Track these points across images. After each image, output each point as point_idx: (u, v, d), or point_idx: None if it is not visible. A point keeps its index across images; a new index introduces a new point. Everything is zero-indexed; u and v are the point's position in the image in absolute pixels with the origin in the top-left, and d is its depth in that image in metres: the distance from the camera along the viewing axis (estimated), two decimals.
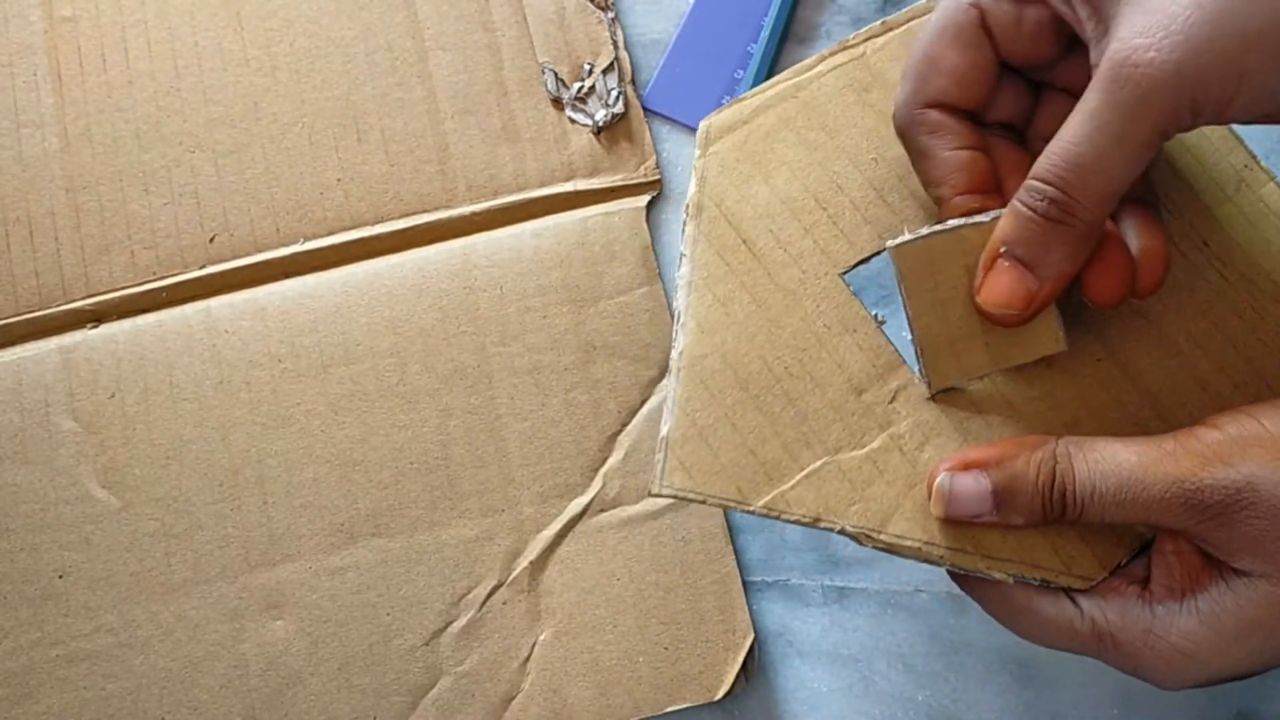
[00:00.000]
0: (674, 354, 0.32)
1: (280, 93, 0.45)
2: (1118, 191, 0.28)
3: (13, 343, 0.44)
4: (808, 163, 0.33)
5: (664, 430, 0.31)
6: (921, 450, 0.31)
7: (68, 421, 0.43)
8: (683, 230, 0.33)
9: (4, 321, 0.44)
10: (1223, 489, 0.26)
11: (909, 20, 0.35)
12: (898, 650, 0.41)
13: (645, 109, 0.46)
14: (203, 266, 0.44)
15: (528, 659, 0.40)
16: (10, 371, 0.43)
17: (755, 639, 0.40)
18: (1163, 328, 0.32)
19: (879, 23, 0.35)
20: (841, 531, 0.30)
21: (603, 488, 0.42)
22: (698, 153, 0.34)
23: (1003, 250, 0.29)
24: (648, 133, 0.45)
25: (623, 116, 0.45)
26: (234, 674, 0.41)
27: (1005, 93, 0.32)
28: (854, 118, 0.34)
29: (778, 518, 0.30)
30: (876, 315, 0.32)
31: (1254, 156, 0.33)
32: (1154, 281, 0.30)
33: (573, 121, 0.45)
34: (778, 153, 0.34)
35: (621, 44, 0.46)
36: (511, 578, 0.41)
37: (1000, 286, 0.29)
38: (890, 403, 0.31)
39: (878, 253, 0.33)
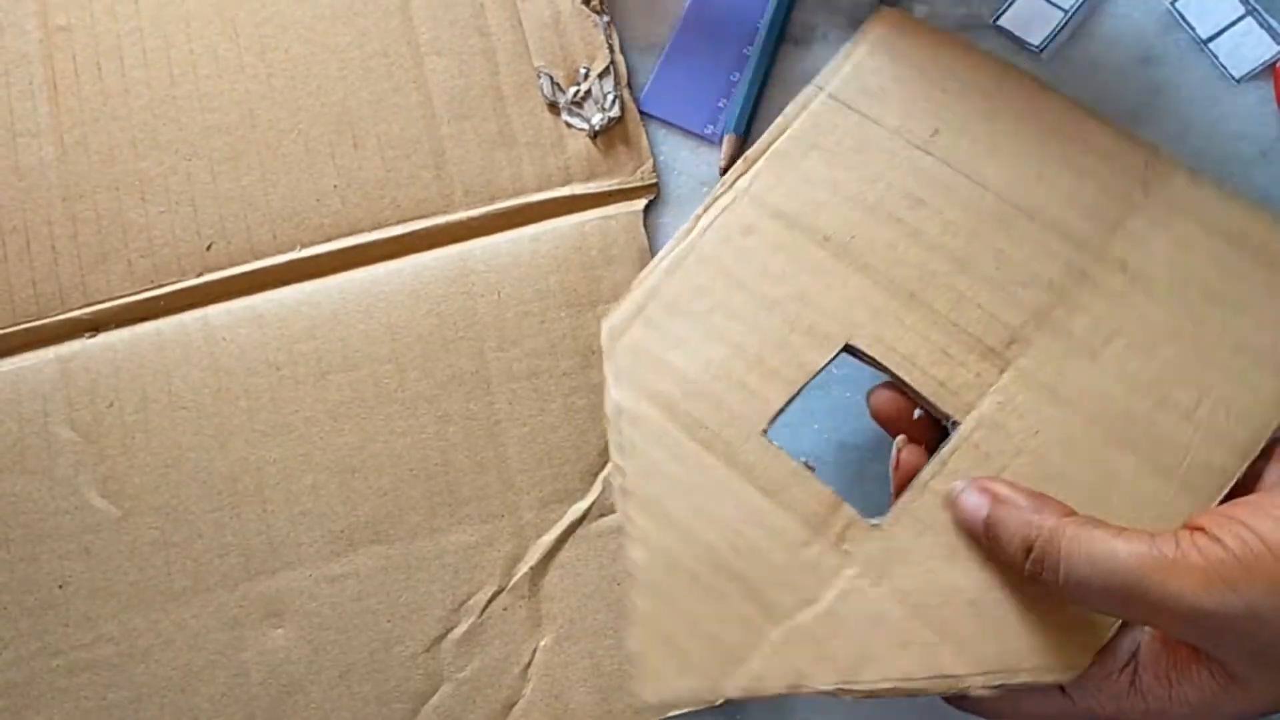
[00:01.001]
0: (629, 562, 0.33)
1: (276, 99, 0.45)
2: None
3: (10, 353, 0.44)
4: (705, 336, 0.34)
5: (629, 647, 0.32)
6: (878, 585, 0.31)
7: (66, 431, 0.42)
8: (609, 437, 0.34)
9: (1, 331, 0.44)
10: (1224, 616, 0.25)
11: (770, 145, 0.35)
12: None
13: (641, 112, 0.46)
14: (200, 274, 0.44)
15: (529, 665, 0.40)
16: (8, 381, 0.43)
17: None
18: (1094, 377, 0.31)
19: (741, 160, 0.35)
20: (819, 692, 0.30)
21: (603, 492, 0.41)
22: (605, 354, 0.35)
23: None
24: (644, 136, 0.45)
25: (619, 120, 0.45)
26: (235, 683, 0.40)
27: None
28: (736, 272, 0.34)
29: (757, 699, 0.31)
30: (805, 462, 0.33)
31: (1155, 149, 0.32)
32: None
33: (569, 126, 0.45)
34: (676, 333, 0.34)
35: (617, 47, 0.46)
36: (512, 583, 0.41)
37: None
38: (838, 545, 0.31)
39: (794, 398, 0.34)
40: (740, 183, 0.35)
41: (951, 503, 0.30)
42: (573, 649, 0.40)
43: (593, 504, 0.42)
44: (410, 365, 0.43)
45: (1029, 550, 0.28)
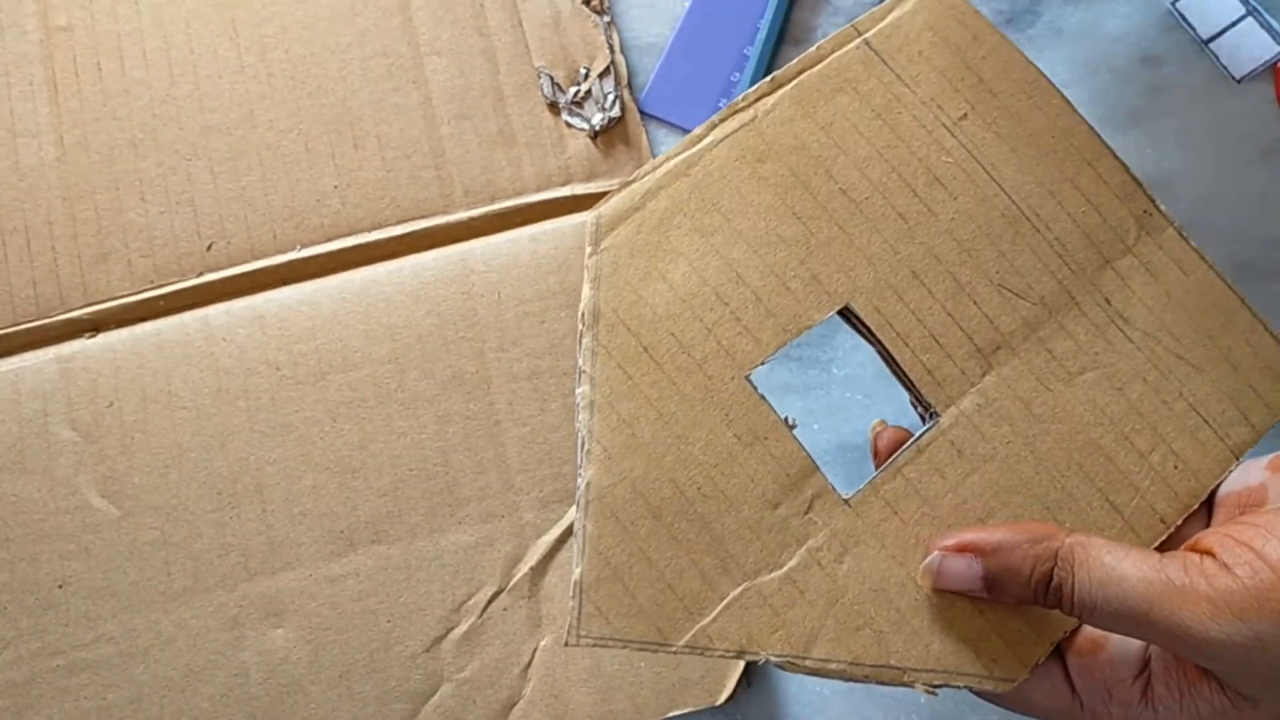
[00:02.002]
0: (581, 484, 0.30)
1: (276, 100, 0.45)
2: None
3: (11, 353, 0.44)
4: (704, 252, 0.32)
5: (576, 573, 0.30)
6: (840, 562, 0.30)
7: (66, 431, 0.42)
8: (579, 342, 0.31)
9: (2, 331, 0.44)
10: (1231, 645, 0.25)
11: (799, 74, 0.33)
12: None
13: (641, 112, 0.46)
14: (200, 274, 0.44)
15: (529, 665, 0.40)
16: (8, 381, 0.43)
17: None
18: (1067, 401, 0.31)
19: (767, 79, 0.33)
20: (765, 662, 0.29)
21: None
22: (589, 249, 0.32)
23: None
24: (645, 136, 0.45)
25: (619, 120, 0.45)
26: (235, 682, 0.40)
27: None
28: (748, 195, 0.32)
29: (701, 654, 0.29)
30: (788, 419, 0.31)
31: (1153, 201, 0.32)
32: None
33: (569, 126, 0.45)
34: (672, 242, 0.32)
35: (618, 47, 0.46)
36: (512, 584, 0.41)
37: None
38: (806, 513, 0.30)
39: (781, 348, 0.32)
40: (763, 104, 0.33)
41: (932, 574, 0.30)
42: (572, 649, 0.40)
43: None
44: (410, 365, 0.43)
45: (1048, 581, 0.28)
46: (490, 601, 0.41)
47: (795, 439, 0.31)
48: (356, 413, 0.42)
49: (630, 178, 0.32)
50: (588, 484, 0.30)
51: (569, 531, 0.41)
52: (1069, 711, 0.30)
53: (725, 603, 0.30)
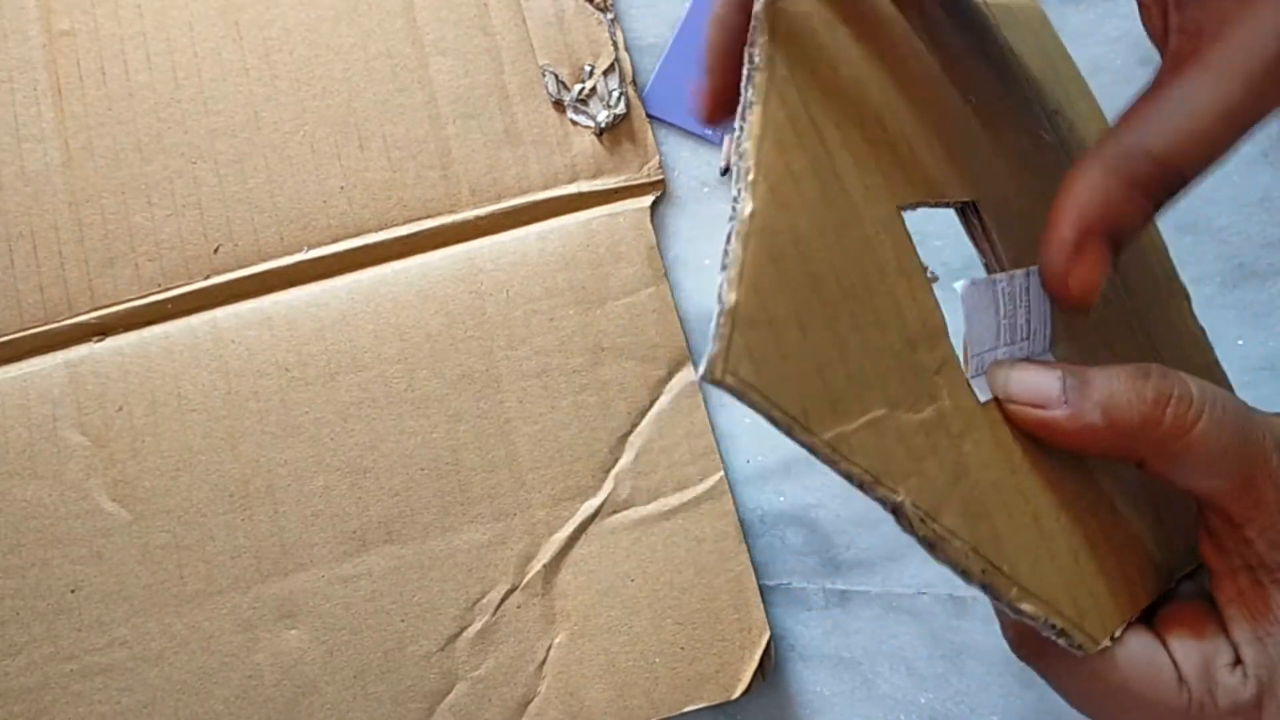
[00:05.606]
0: (740, 211, 0.22)
1: (281, 101, 0.45)
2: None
3: (19, 358, 0.43)
4: (872, 71, 0.27)
5: (727, 299, 0.22)
6: (963, 439, 0.25)
7: (76, 435, 0.42)
8: (747, 78, 0.24)
9: (10, 337, 0.44)
10: None
11: None
12: (900, 653, 0.41)
13: None
14: (207, 277, 0.44)
15: (544, 662, 0.40)
16: (17, 387, 0.43)
17: (771, 637, 0.40)
18: None
19: None
20: (899, 506, 0.24)
21: (614, 489, 0.42)
22: (762, 15, 0.25)
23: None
24: (650, 133, 0.45)
25: (625, 117, 0.45)
26: (249, 684, 0.40)
27: None
28: (919, 43, 0.28)
29: (837, 463, 0.23)
30: (930, 271, 0.27)
31: (1174, 269, 0.34)
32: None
33: (575, 123, 0.45)
34: (848, 45, 0.27)
35: (621, 44, 0.46)
36: (525, 581, 0.41)
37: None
38: (936, 374, 0.25)
39: (922, 205, 0.27)
40: None
41: (1006, 370, 0.27)
42: (587, 645, 0.40)
43: (605, 501, 0.42)
44: (419, 365, 0.43)
45: (1147, 374, 0.26)
46: (504, 599, 0.41)
47: (933, 295, 0.26)
48: (367, 413, 0.42)
49: None
50: (751, 213, 0.23)
51: (581, 528, 0.41)
52: (1175, 707, 0.27)
53: (868, 418, 0.24)
